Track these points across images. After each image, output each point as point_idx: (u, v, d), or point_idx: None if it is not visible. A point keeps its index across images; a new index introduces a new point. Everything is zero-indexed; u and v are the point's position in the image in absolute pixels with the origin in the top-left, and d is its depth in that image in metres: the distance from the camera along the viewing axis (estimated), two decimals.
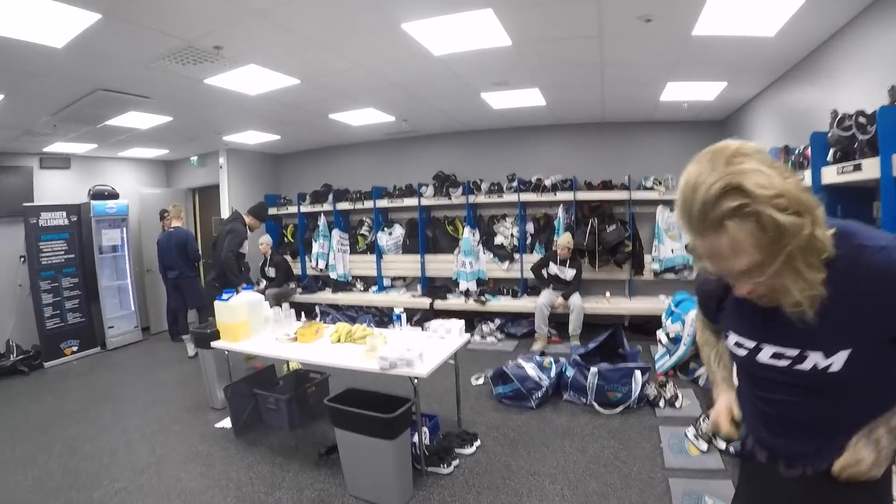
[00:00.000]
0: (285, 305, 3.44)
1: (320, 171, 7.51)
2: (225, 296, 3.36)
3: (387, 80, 3.99)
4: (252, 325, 3.39)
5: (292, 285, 6.73)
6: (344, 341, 3.17)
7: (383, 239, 6.64)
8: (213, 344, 3.35)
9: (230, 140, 6.36)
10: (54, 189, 6.29)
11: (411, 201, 6.42)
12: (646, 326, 5.53)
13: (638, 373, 3.74)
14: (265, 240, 6.45)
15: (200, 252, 6.01)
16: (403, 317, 3.26)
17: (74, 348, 5.88)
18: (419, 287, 6.50)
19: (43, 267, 5.69)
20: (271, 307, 3.63)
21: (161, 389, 4.55)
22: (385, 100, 4.69)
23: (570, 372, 3.89)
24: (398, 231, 6.71)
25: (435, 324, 3.21)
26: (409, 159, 6.87)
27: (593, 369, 3.75)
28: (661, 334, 4.70)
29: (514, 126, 6.20)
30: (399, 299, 6.34)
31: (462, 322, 3.25)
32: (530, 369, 3.82)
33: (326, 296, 6.85)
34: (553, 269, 5.33)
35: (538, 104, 4.92)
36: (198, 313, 5.73)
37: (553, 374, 3.92)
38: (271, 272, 6.45)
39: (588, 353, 4.02)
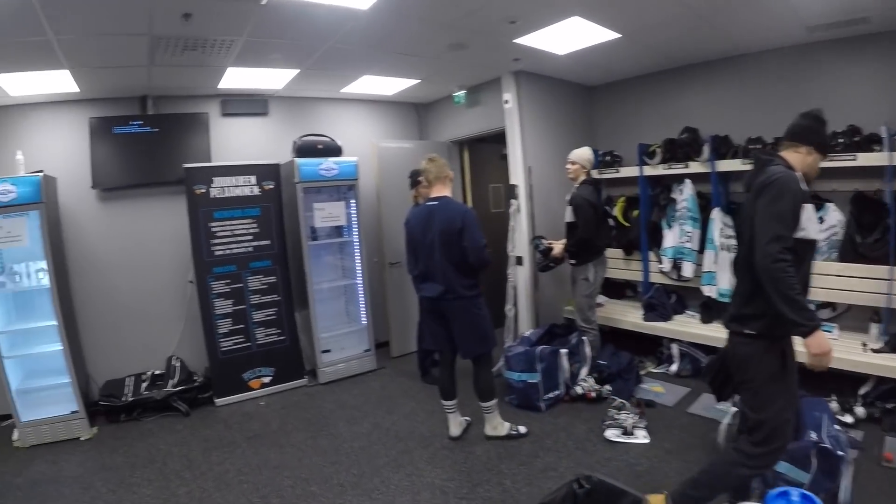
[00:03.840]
0: None
1: (659, 109, 4.29)
2: None
3: None
4: None
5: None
6: None
7: None
8: None
9: (528, 45, 3.37)
10: (244, 145, 4.33)
11: (869, 158, 2.95)
12: None
13: None
14: (579, 155, 3.62)
15: (487, 248, 2.77)
16: None
17: (266, 379, 3.95)
18: (874, 329, 2.95)
19: (216, 260, 3.72)
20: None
21: None
22: None
23: None
24: (834, 216, 3.18)
25: None
26: (843, 82, 3.32)
27: None
28: None
29: None
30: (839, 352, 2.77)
31: None
32: None
33: (689, 327, 3.75)
34: None
35: None
36: (474, 368, 2.90)
37: None
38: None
39: None
